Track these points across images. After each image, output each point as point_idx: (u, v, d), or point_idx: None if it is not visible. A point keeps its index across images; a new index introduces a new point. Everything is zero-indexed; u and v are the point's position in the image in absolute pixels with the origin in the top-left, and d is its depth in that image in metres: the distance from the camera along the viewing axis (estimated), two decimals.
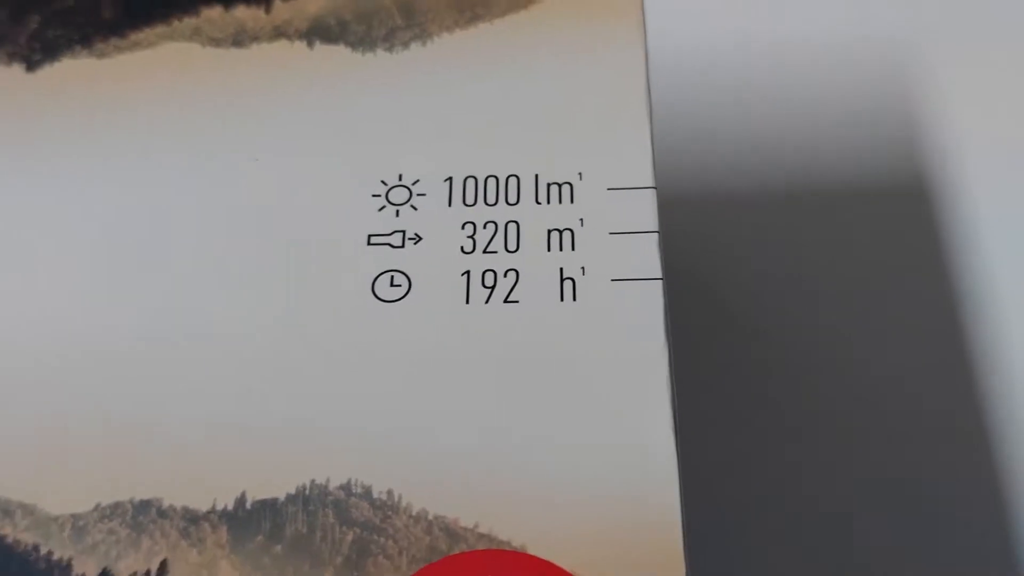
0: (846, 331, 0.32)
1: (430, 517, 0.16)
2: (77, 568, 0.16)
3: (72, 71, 0.22)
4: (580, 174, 0.20)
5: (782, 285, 0.33)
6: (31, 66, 0.22)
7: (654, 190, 0.19)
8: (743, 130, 0.36)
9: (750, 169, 0.35)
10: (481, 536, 0.16)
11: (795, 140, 0.35)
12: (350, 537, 0.16)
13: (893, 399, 0.31)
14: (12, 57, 0.22)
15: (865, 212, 0.34)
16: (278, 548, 0.16)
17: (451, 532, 0.16)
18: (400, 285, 0.19)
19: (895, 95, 0.36)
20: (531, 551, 0.16)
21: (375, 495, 0.16)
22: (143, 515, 0.17)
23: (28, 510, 0.17)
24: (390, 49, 0.22)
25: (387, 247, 0.19)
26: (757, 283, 0.33)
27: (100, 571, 0.16)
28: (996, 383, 0.30)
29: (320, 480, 0.17)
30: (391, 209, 0.20)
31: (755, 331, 0.32)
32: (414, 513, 0.16)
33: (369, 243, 0.19)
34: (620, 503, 0.16)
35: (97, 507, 0.17)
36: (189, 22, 0.22)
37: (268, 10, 0.22)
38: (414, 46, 0.22)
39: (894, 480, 0.29)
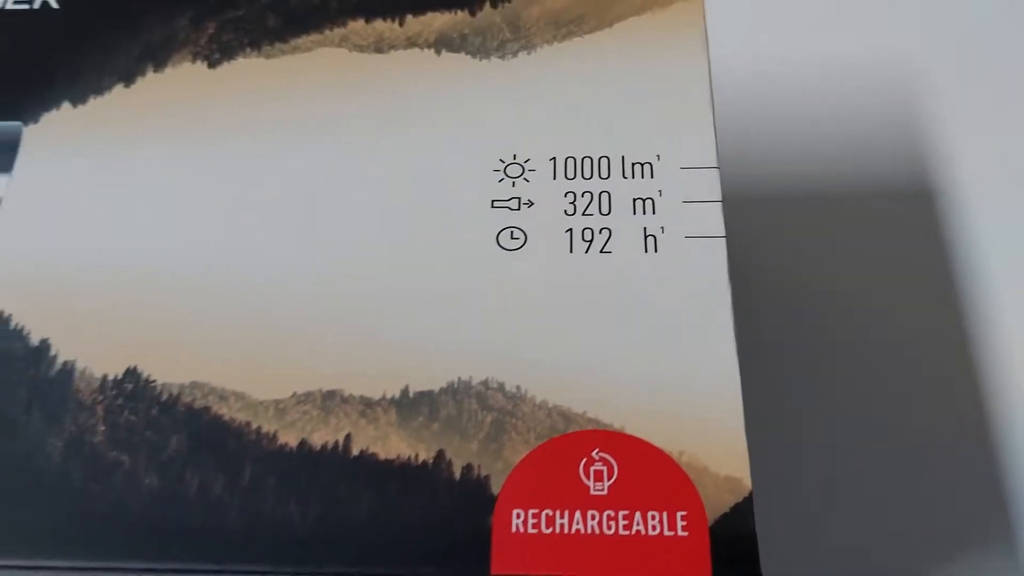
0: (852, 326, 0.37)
1: (549, 405, 0.21)
2: (281, 439, 0.21)
3: (245, 69, 0.27)
4: (658, 156, 0.25)
5: (790, 284, 0.38)
6: (212, 64, 0.27)
7: (717, 169, 0.24)
8: (755, 138, 0.41)
9: (764, 174, 0.40)
10: (589, 419, 0.21)
11: (803, 148, 0.41)
12: (489, 419, 0.21)
13: (897, 401, 0.35)
14: (196, 56, 0.28)
15: (869, 215, 0.39)
16: (435, 426, 0.21)
17: (566, 416, 0.21)
18: (518, 238, 0.24)
19: (899, 110, 0.42)
20: (627, 431, 0.21)
21: (507, 389, 0.22)
22: (330, 401, 0.22)
23: (239, 396, 0.22)
24: (502, 57, 0.27)
25: (506, 209, 0.24)
26: (764, 280, 0.38)
27: (299, 441, 0.21)
28: (999, 383, 0.35)
29: (464, 378, 0.22)
30: (508, 181, 0.25)
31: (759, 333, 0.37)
32: (537, 402, 0.21)
33: (492, 206, 0.24)
34: (696, 398, 0.21)
35: (294, 395, 0.22)
36: (338, 31, 0.28)
37: (402, 24, 0.28)
38: (521, 55, 0.27)
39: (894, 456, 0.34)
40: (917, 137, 0.41)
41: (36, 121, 0.26)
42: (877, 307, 0.37)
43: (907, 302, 0.37)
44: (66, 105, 0.27)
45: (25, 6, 0.29)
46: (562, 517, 0.20)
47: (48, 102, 0.27)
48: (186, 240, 0.24)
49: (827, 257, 0.38)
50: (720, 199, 0.24)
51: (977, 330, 0.36)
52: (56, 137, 0.26)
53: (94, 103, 0.27)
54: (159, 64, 0.27)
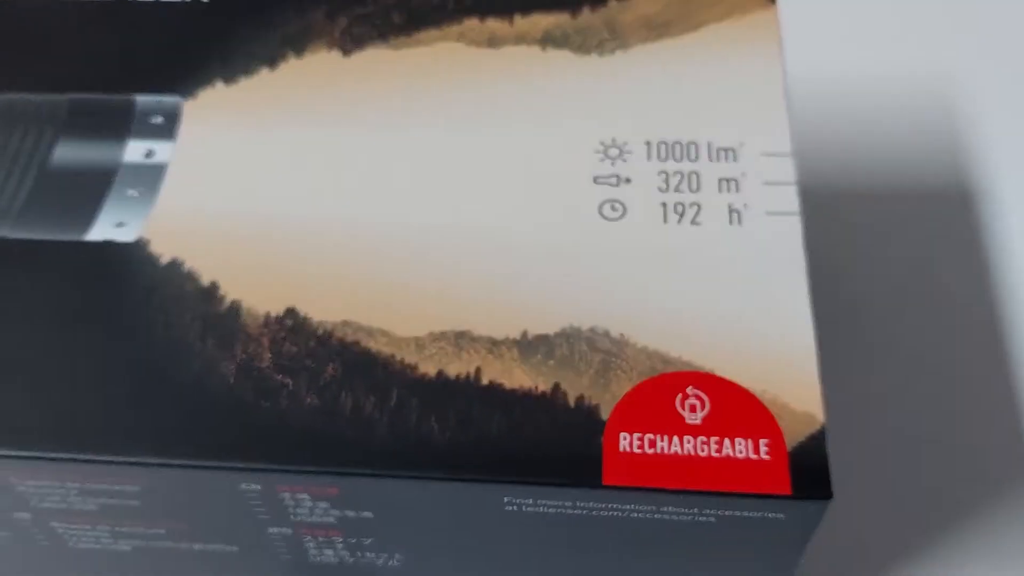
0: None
1: (650, 350, 0.25)
2: (421, 369, 0.25)
3: (375, 58, 0.31)
4: (741, 143, 0.28)
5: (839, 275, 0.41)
6: (345, 53, 0.31)
7: (792, 157, 0.28)
8: (806, 145, 0.45)
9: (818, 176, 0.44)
10: (684, 362, 0.25)
11: (846, 151, 0.44)
12: (598, 359, 0.25)
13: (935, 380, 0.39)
14: (331, 46, 0.31)
15: (910, 214, 0.43)
16: (551, 363, 0.25)
17: (664, 359, 0.25)
18: (618, 210, 0.28)
19: (939, 121, 0.45)
20: (717, 373, 0.25)
21: (612, 335, 0.25)
22: (461, 339, 0.25)
23: (384, 333, 0.26)
24: (601, 54, 0.31)
25: (607, 185, 0.28)
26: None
27: (437, 372, 0.25)
28: None
29: (576, 325, 0.25)
30: (608, 161, 0.28)
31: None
32: (639, 347, 0.25)
33: (595, 182, 0.28)
34: (776, 345, 0.25)
35: (430, 333, 0.26)
36: (455, 28, 0.32)
37: (511, 23, 0.32)
38: (618, 52, 0.31)
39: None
40: (956, 143, 0.44)
41: (194, 96, 0.30)
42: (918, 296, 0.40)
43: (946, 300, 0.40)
44: (219, 83, 0.31)
45: None
46: (662, 441, 0.24)
47: (203, 80, 0.31)
48: (333, 198, 0.28)
49: (876, 251, 0.41)
50: (796, 182, 0.28)
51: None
52: (212, 111, 0.30)
53: (244, 83, 0.31)
54: (298, 51, 0.31)
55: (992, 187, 0.43)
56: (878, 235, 0.42)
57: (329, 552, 0.27)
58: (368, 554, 0.27)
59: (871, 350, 0.39)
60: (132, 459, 0.24)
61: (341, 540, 0.27)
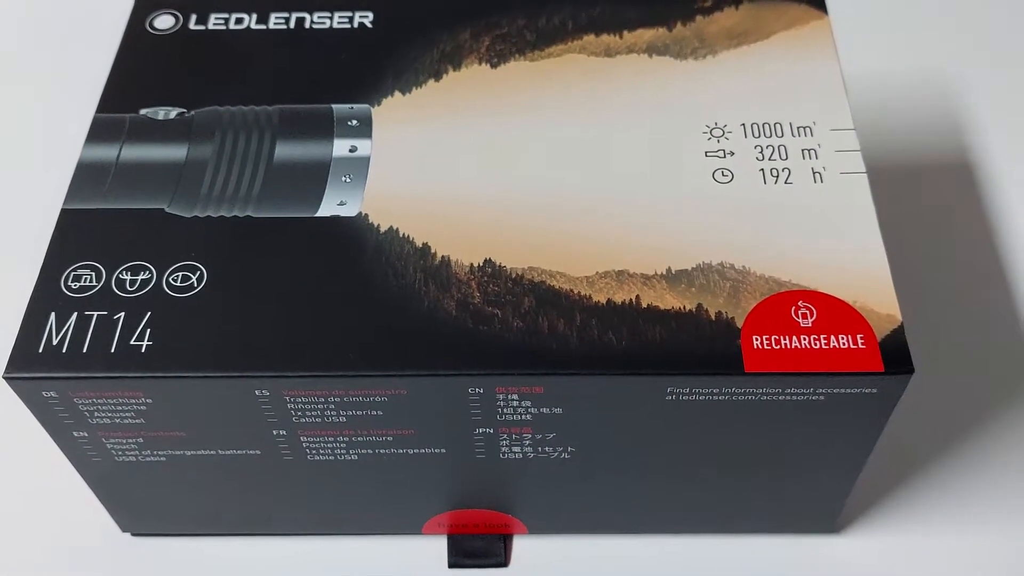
0: None
1: (766, 276, 0.33)
2: (594, 299, 0.33)
3: (516, 69, 0.39)
4: (815, 122, 0.37)
5: None
6: (493, 66, 0.39)
7: (855, 130, 0.36)
8: None
9: None
10: (794, 284, 0.33)
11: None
12: (728, 285, 0.33)
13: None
14: (480, 60, 0.39)
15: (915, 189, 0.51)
16: (693, 290, 0.33)
17: (778, 282, 0.33)
18: (727, 175, 0.36)
19: (939, 114, 0.54)
20: (820, 291, 0.33)
21: (736, 267, 0.33)
22: (621, 276, 0.33)
23: (562, 274, 0.34)
24: (696, 59, 0.39)
25: (716, 157, 0.36)
26: None
27: (606, 300, 0.33)
28: None
29: (707, 261, 0.34)
30: (714, 139, 0.37)
31: None
32: (758, 275, 0.33)
33: (706, 156, 0.36)
34: (861, 268, 0.33)
35: (596, 272, 0.34)
36: (577, 42, 0.40)
37: (621, 37, 0.40)
38: (708, 57, 0.39)
39: None
40: (953, 126, 0.53)
41: (379, 104, 0.38)
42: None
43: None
44: (397, 94, 0.39)
45: (347, 24, 0.41)
46: (785, 339, 0.32)
47: (384, 92, 0.39)
48: (506, 175, 0.36)
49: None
50: (859, 149, 0.36)
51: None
52: (395, 115, 0.38)
53: (416, 92, 0.39)
54: (456, 66, 0.39)
55: (986, 161, 0.52)
56: (893, 199, 0.51)
57: (516, 449, 0.35)
58: (547, 448, 0.35)
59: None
60: (390, 372, 0.32)
61: (529, 436, 0.35)
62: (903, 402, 0.43)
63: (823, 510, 0.39)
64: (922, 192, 0.51)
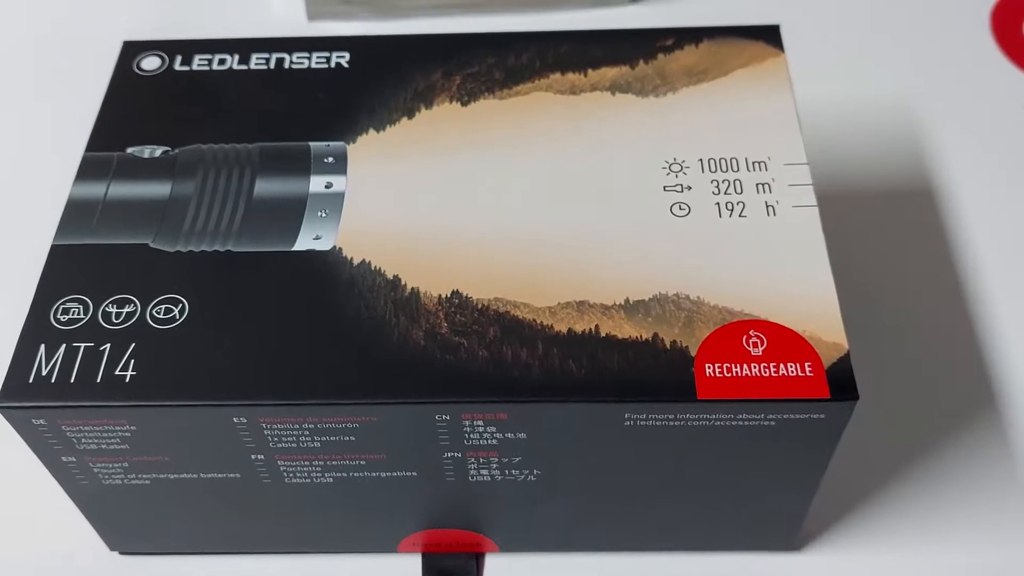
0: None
1: (720, 306, 0.35)
2: (556, 328, 0.35)
3: (486, 106, 0.41)
4: (769, 157, 0.39)
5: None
6: (463, 103, 0.41)
7: (808, 165, 0.38)
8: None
9: None
10: (745, 314, 0.35)
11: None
12: (683, 315, 0.35)
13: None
14: (451, 98, 0.41)
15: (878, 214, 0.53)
16: (649, 320, 0.35)
17: (731, 312, 0.35)
18: (684, 209, 0.38)
19: (901, 142, 0.56)
20: (770, 320, 0.35)
21: (691, 298, 0.35)
22: (581, 306, 0.35)
23: (526, 305, 0.35)
24: (656, 96, 0.41)
25: (674, 191, 0.38)
26: None
27: (567, 329, 0.35)
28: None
29: (663, 292, 0.35)
30: (672, 174, 0.39)
31: None
32: (711, 305, 0.35)
33: (664, 190, 0.38)
34: (809, 299, 0.35)
35: (559, 303, 0.35)
36: (544, 80, 0.42)
37: (585, 75, 0.42)
38: (669, 95, 0.41)
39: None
40: (914, 151, 0.55)
41: (354, 142, 0.40)
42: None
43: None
44: (372, 131, 0.40)
45: (324, 64, 0.43)
46: (736, 367, 0.34)
47: (359, 130, 0.40)
48: (472, 209, 0.38)
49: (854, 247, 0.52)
50: (811, 183, 0.38)
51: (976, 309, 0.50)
52: (369, 152, 0.40)
53: (390, 130, 0.40)
54: (428, 104, 0.41)
55: (948, 186, 0.54)
56: (856, 225, 0.52)
57: (484, 472, 0.37)
58: (513, 471, 0.37)
59: (867, 312, 0.49)
60: (360, 400, 0.33)
61: (496, 460, 0.36)
62: (862, 422, 0.45)
63: (783, 529, 0.41)
64: (882, 218, 0.53)
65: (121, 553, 0.43)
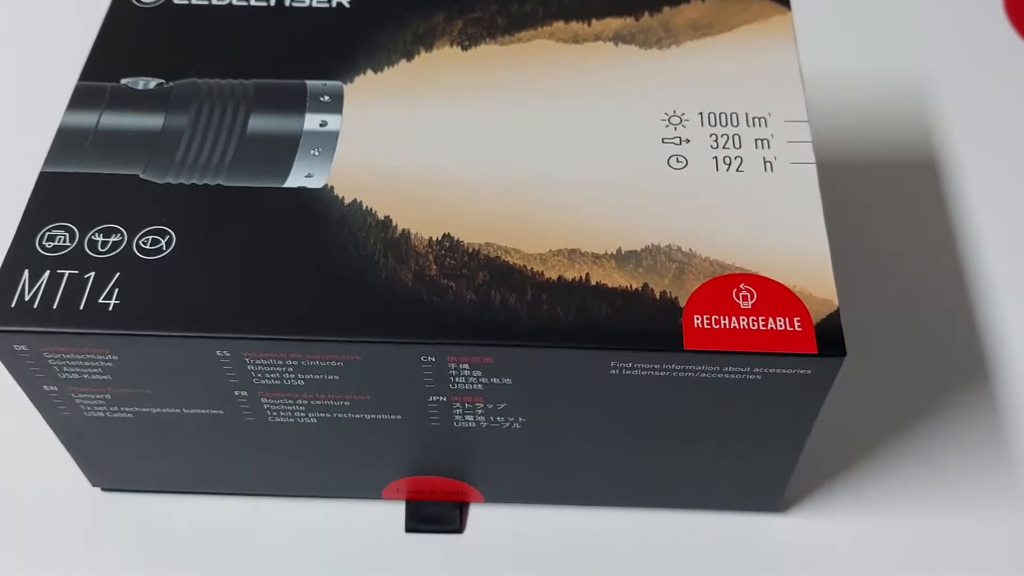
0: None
1: (711, 259, 0.35)
2: (546, 275, 0.34)
3: (487, 52, 0.40)
4: (770, 113, 0.38)
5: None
6: (464, 48, 0.41)
7: (808, 123, 0.38)
8: None
9: None
10: (736, 267, 0.34)
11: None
12: (674, 266, 0.35)
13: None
14: (452, 42, 0.41)
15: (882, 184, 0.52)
16: (640, 270, 0.34)
17: (722, 265, 0.34)
18: (681, 162, 0.37)
19: (907, 114, 0.55)
20: (761, 274, 0.34)
21: (683, 250, 0.35)
22: (573, 254, 0.35)
23: (517, 250, 0.35)
24: (659, 48, 0.40)
25: (672, 143, 0.38)
26: None
27: (558, 277, 0.34)
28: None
29: (655, 243, 0.35)
30: (671, 127, 0.38)
31: None
32: (703, 257, 0.35)
33: (662, 142, 0.38)
34: (802, 253, 0.34)
35: (550, 251, 0.35)
36: (547, 28, 0.41)
37: (589, 25, 0.41)
38: (672, 47, 0.40)
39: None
40: (922, 124, 0.54)
41: (351, 82, 0.40)
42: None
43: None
44: (369, 72, 0.40)
45: (325, 5, 0.42)
46: (724, 320, 0.33)
47: (356, 70, 0.40)
48: (468, 153, 0.37)
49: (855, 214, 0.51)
50: (811, 140, 0.37)
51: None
52: (366, 93, 0.39)
53: (388, 71, 0.40)
54: (428, 47, 0.41)
55: (953, 159, 0.53)
56: (859, 194, 0.52)
57: (469, 417, 0.37)
58: (498, 418, 0.37)
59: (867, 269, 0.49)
60: (344, 338, 0.33)
61: (481, 405, 0.36)
62: (849, 385, 0.45)
63: (767, 488, 0.40)
64: (887, 187, 0.52)
65: (103, 489, 0.43)
